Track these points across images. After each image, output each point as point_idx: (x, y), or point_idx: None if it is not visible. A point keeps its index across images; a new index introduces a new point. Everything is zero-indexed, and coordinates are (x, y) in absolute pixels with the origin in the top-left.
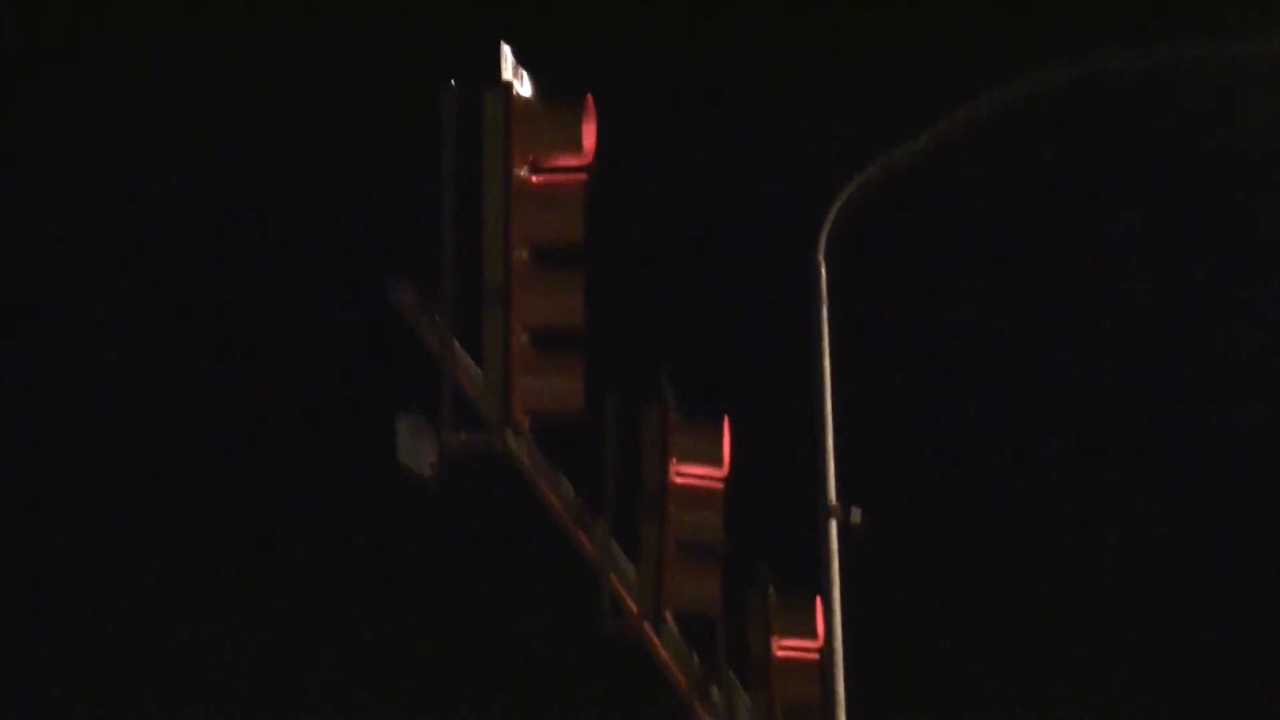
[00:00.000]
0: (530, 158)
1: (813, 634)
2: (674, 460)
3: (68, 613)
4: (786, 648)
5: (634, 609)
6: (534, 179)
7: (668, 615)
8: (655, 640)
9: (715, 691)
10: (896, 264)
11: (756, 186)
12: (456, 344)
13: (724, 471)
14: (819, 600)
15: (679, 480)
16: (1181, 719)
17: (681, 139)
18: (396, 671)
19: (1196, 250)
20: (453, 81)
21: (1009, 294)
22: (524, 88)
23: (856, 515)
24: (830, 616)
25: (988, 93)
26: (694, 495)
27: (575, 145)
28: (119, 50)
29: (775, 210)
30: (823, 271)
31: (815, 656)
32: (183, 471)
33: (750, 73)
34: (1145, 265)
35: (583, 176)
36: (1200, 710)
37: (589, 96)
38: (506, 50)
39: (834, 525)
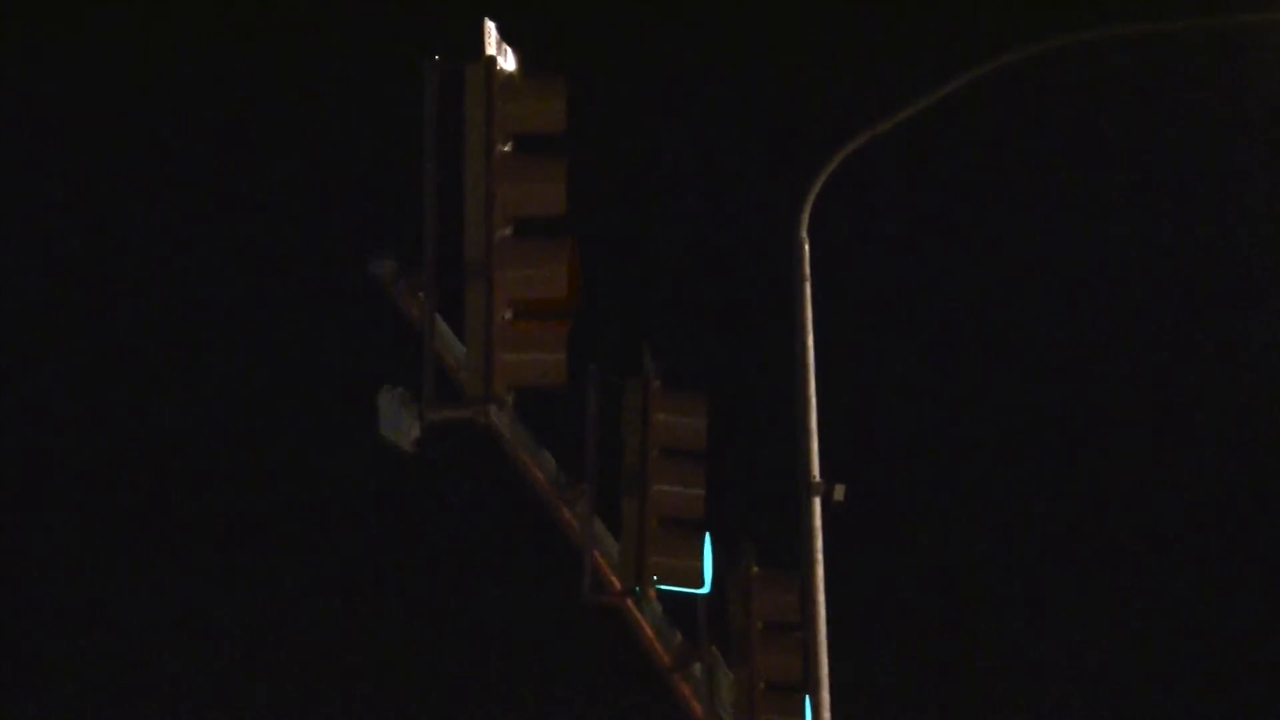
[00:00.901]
0: (512, 132)
1: (795, 610)
2: (655, 434)
3: (54, 602)
4: (768, 623)
5: (615, 584)
6: (516, 153)
7: (650, 590)
8: (637, 615)
9: (698, 667)
10: (879, 239)
11: (740, 160)
12: (439, 318)
13: (705, 445)
14: (801, 576)
15: (660, 454)
16: (1172, 704)
17: (665, 114)
18: (376, 644)
19: (1191, 222)
20: (435, 56)
21: (993, 268)
22: (507, 63)
23: (839, 492)
24: (813, 592)
25: (971, 66)
26: (676, 469)
27: (557, 120)
28: (97, 23)
29: (759, 183)
30: (805, 249)
31: (797, 632)
32: (165, 451)
33: (734, 47)
34: (1137, 238)
35: (564, 152)
36: (1189, 691)
37: (563, 72)
38: (490, 25)
39: (817, 502)
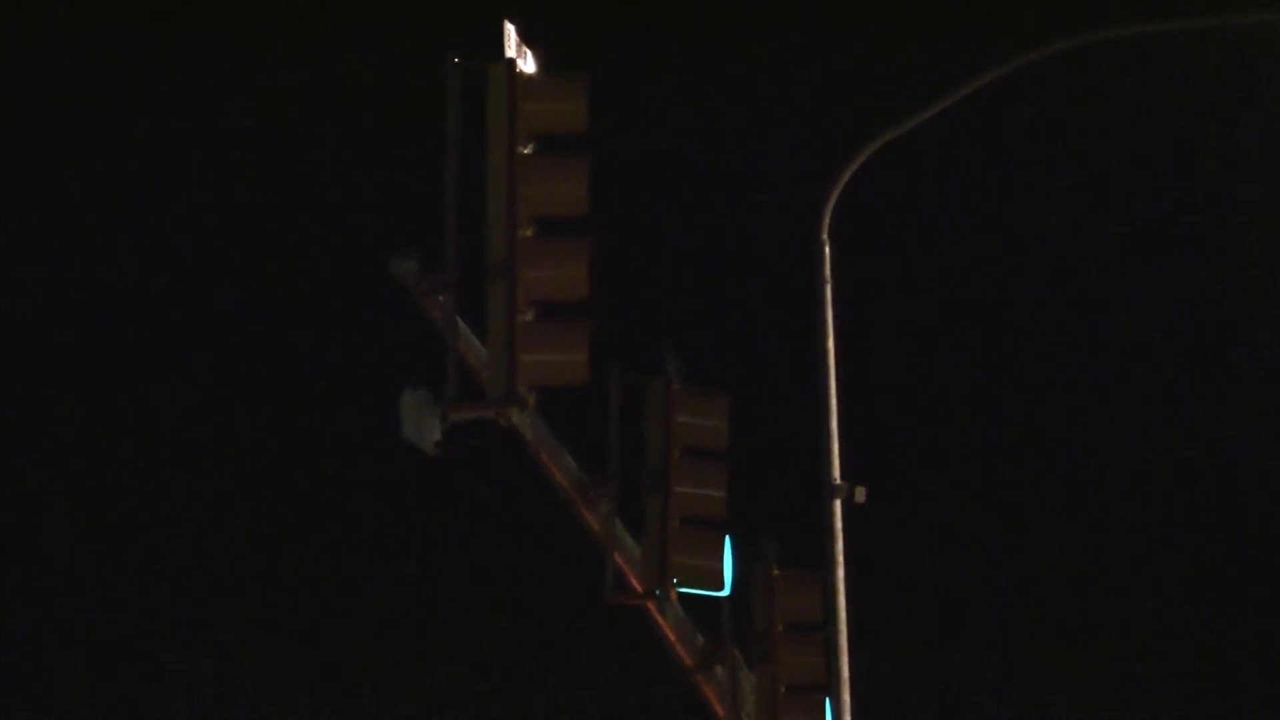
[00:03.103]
0: (534, 132)
1: (817, 610)
2: (677, 435)
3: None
4: (790, 624)
5: (638, 585)
6: (537, 153)
7: (672, 592)
8: (659, 617)
9: (719, 668)
10: (901, 240)
11: (762, 162)
12: (460, 319)
13: (727, 446)
14: (823, 577)
15: (682, 455)
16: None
17: (687, 114)
18: (397, 643)
19: (1197, 217)
20: (456, 58)
21: (1014, 269)
22: (527, 64)
23: (861, 494)
24: (834, 594)
25: (989, 67)
26: (698, 470)
27: (578, 120)
28: (116, 20)
29: (780, 185)
30: (827, 250)
31: (819, 633)
32: (185, 451)
33: (756, 48)
34: (1148, 237)
35: (585, 152)
36: (1202, 688)
37: (587, 73)
38: (510, 28)
39: (838, 503)
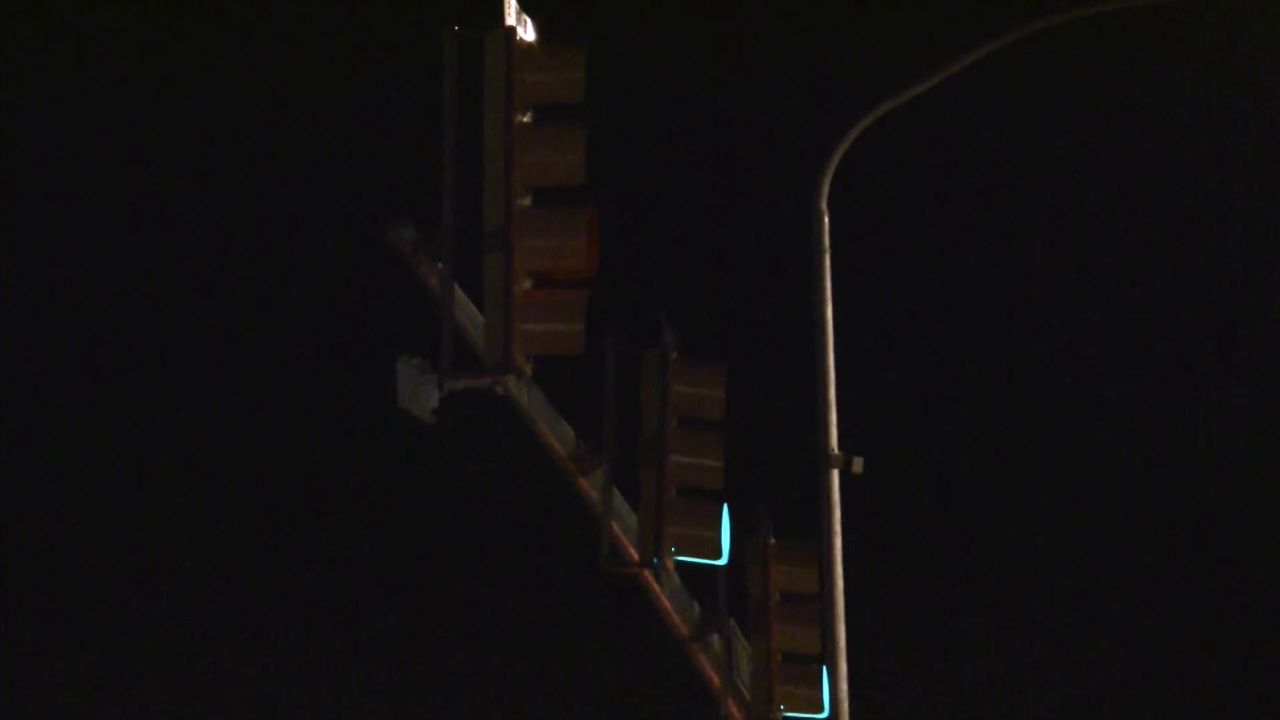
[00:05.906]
0: (531, 102)
1: (812, 580)
2: (674, 404)
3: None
4: (786, 594)
5: (633, 555)
6: (535, 123)
7: (668, 561)
8: (655, 586)
9: (715, 638)
10: (899, 209)
11: (760, 131)
12: (457, 287)
13: (723, 415)
14: (819, 547)
15: (678, 424)
16: (1176, 681)
17: (684, 82)
18: (394, 614)
19: (1199, 190)
20: (455, 26)
21: (1010, 239)
22: (526, 32)
23: (858, 464)
24: (830, 564)
25: (990, 37)
26: (694, 440)
27: (576, 89)
28: None
29: (779, 154)
30: (825, 220)
31: (815, 603)
32: (182, 415)
33: (758, 15)
34: (1150, 206)
35: (583, 121)
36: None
37: (583, 42)
38: None
39: (835, 473)
